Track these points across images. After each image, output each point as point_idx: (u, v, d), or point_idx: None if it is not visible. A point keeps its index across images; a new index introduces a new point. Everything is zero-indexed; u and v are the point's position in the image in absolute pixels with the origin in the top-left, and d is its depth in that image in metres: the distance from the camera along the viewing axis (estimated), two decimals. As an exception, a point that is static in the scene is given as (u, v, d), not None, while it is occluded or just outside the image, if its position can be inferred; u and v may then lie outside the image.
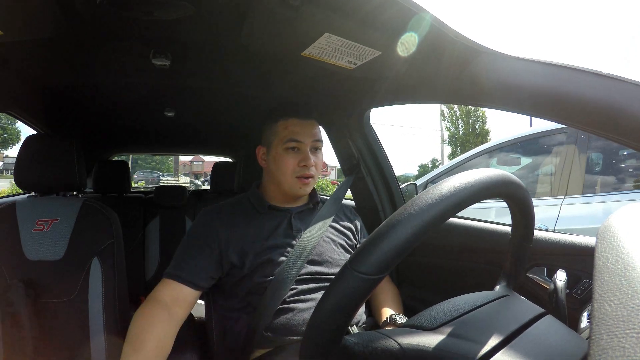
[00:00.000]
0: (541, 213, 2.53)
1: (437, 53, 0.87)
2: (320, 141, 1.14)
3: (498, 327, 0.52)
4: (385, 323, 1.01)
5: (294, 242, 1.07)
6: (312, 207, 1.19)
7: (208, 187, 2.73)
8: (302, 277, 1.03)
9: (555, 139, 2.87)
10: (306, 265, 1.03)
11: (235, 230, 1.06)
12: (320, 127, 1.23)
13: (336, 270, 1.07)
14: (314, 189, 1.24)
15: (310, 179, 1.11)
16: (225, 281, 1.06)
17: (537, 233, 1.02)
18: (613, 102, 0.59)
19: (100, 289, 1.14)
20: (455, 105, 20.08)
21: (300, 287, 1.02)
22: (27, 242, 1.12)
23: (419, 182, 3.48)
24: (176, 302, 0.96)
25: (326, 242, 1.12)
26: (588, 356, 0.26)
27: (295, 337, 0.99)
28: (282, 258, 1.04)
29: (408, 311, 1.14)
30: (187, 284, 0.98)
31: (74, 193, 1.39)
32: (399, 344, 0.50)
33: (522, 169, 3.25)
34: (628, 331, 0.25)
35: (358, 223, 1.28)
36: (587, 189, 2.57)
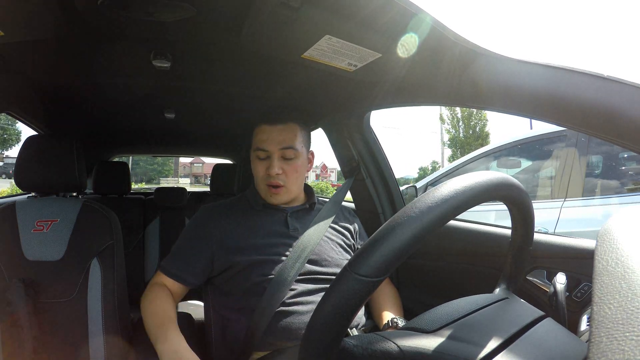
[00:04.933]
0: (541, 216, 2.53)
1: (437, 55, 0.87)
2: (290, 148, 1.09)
3: (497, 330, 0.52)
4: (387, 326, 1.00)
5: (291, 241, 1.08)
6: (309, 207, 1.19)
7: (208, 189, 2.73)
8: (300, 276, 1.03)
9: (555, 142, 2.87)
10: (305, 264, 1.04)
11: (232, 226, 1.08)
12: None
13: (334, 269, 1.08)
14: (311, 188, 1.24)
15: (279, 189, 1.09)
16: (223, 279, 1.07)
17: (537, 236, 1.01)
18: (613, 105, 0.59)
19: (100, 289, 1.14)
20: (457, 108, 20.08)
21: (299, 288, 1.02)
22: (27, 242, 1.12)
23: (419, 184, 3.49)
24: (174, 293, 1.08)
25: (324, 241, 1.12)
26: (587, 359, 0.26)
27: (294, 341, 0.98)
28: (280, 257, 1.04)
29: (408, 313, 1.14)
30: (176, 279, 1.06)
31: (74, 194, 1.38)
32: (398, 346, 0.50)
33: (522, 172, 3.25)
34: (627, 334, 0.25)
35: (357, 224, 1.28)
36: (587, 192, 2.56)
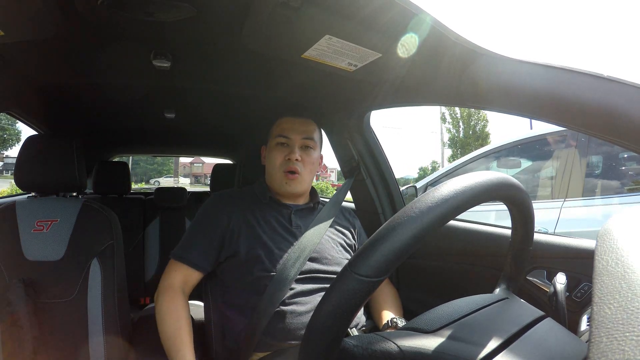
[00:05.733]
0: (542, 216, 2.53)
1: (437, 55, 0.87)
2: (311, 139, 1.15)
3: (497, 330, 0.52)
4: (386, 326, 1.00)
5: (293, 238, 1.09)
6: (313, 206, 1.20)
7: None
8: (300, 275, 1.03)
9: (555, 142, 2.87)
10: (305, 262, 1.04)
11: (238, 214, 1.10)
12: (321, 129, 1.24)
13: (334, 268, 1.08)
14: (314, 189, 1.25)
15: (296, 175, 1.12)
16: (225, 270, 1.08)
17: (537, 236, 1.01)
18: (613, 105, 0.59)
19: (100, 289, 1.14)
20: (457, 108, 20.12)
21: (299, 287, 1.02)
22: (27, 242, 1.12)
23: (419, 184, 3.48)
24: (186, 284, 1.07)
25: (325, 240, 1.12)
26: (587, 359, 0.26)
27: (294, 341, 0.99)
28: (281, 253, 1.05)
29: (408, 314, 1.14)
30: (193, 266, 1.06)
31: (74, 194, 1.38)
32: (398, 346, 0.50)
33: (522, 172, 3.25)
34: (628, 334, 0.25)
35: (357, 225, 1.28)
36: (587, 192, 2.56)
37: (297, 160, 1.11)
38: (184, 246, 1.09)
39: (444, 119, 22.31)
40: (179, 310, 1.01)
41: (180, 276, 1.06)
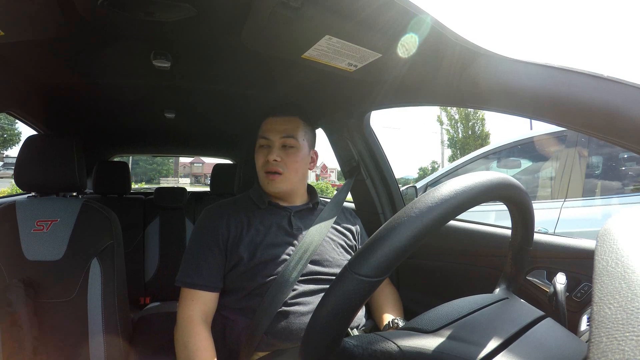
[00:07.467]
0: (542, 216, 2.53)
1: (437, 55, 0.87)
2: (291, 137, 1.12)
3: (498, 330, 0.52)
4: (387, 327, 1.00)
5: (295, 240, 1.08)
6: (312, 207, 1.19)
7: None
8: (302, 277, 1.03)
9: (556, 142, 2.87)
10: (307, 264, 1.04)
11: (237, 225, 1.08)
12: (313, 125, 1.24)
13: (335, 269, 1.08)
14: (314, 189, 1.24)
15: (276, 176, 1.10)
16: (227, 280, 1.07)
17: (537, 236, 1.01)
18: (612, 105, 0.59)
19: (100, 289, 1.14)
20: (454, 109, 20.15)
21: (300, 288, 1.02)
22: (27, 242, 1.12)
23: (419, 184, 3.48)
24: (207, 313, 1.02)
25: (326, 241, 1.12)
26: (587, 359, 0.26)
27: (295, 341, 0.98)
28: (283, 257, 1.04)
29: (408, 313, 1.14)
30: (208, 289, 1.02)
31: (74, 194, 1.38)
32: (398, 346, 0.50)
33: (522, 172, 3.25)
34: (627, 334, 0.25)
35: (358, 225, 1.28)
36: (587, 192, 2.56)
37: (275, 160, 1.09)
38: (190, 270, 1.03)
39: (440, 122, 22.35)
40: (205, 345, 0.94)
41: (199, 305, 1.00)
